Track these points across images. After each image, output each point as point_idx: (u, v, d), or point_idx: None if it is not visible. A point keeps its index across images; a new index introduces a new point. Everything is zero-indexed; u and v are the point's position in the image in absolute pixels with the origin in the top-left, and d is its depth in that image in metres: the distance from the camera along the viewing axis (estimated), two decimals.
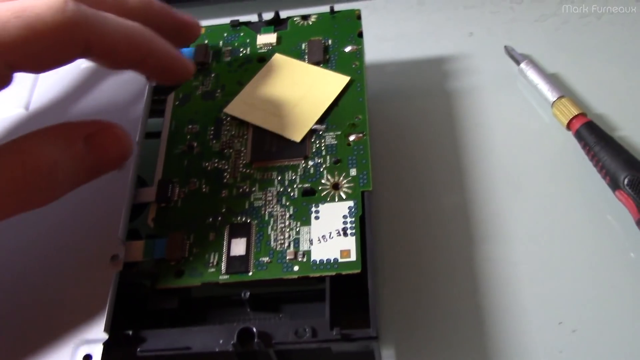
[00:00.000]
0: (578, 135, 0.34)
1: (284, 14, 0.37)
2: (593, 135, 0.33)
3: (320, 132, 0.31)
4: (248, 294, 0.28)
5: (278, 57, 0.34)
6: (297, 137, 0.31)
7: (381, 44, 0.41)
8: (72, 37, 0.24)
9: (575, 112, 0.34)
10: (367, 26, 0.37)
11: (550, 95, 0.36)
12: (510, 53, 0.38)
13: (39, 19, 0.23)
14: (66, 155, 0.25)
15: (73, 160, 0.25)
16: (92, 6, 0.26)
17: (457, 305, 0.31)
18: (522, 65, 0.37)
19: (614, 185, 0.32)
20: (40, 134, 0.25)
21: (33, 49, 0.24)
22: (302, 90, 0.33)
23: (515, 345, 0.29)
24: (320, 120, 0.31)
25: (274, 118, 0.32)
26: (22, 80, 0.35)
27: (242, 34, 0.36)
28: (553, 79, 0.37)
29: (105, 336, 0.26)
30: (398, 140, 0.37)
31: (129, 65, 0.28)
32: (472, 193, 0.34)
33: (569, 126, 0.35)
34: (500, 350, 0.29)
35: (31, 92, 0.35)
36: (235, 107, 0.33)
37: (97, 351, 0.26)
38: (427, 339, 0.30)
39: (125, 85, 0.34)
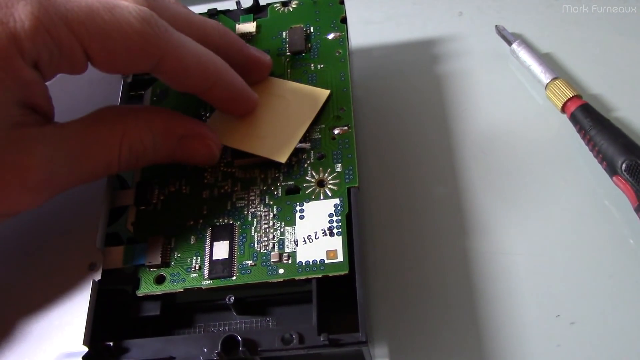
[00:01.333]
0: (573, 119, 0.33)
1: (263, 0, 0.35)
2: (589, 118, 0.32)
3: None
4: (233, 298, 0.27)
5: None
6: (282, 157, 0.29)
7: (367, 27, 0.40)
8: (150, 47, 0.25)
9: (570, 94, 0.33)
10: (352, 9, 0.35)
11: (544, 76, 0.34)
12: (502, 33, 0.37)
13: (127, 21, 0.25)
14: (158, 146, 0.27)
15: (162, 151, 0.28)
16: (172, 24, 0.26)
17: (451, 299, 0.30)
18: (514, 45, 0.36)
19: (612, 170, 0.30)
20: (144, 119, 0.27)
21: (112, 45, 0.25)
22: (280, 108, 0.30)
23: (512, 340, 0.28)
24: (304, 138, 0.30)
25: (255, 139, 0.29)
26: None
27: None
28: (546, 59, 0.35)
29: (85, 349, 0.25)
30: (386, 129, 0.36)
31: (194, 89, 0.28)
32: (463, 182, 0.33)
33: (563, 109, 0.33)
34: (497, 344, 0.28)
35: None
36: None
37: None
38: (421, 335, 0.29)
39: (99, 81, 0.33)
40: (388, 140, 0.35)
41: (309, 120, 0.30)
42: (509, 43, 0.36)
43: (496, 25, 0.37)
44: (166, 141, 0.28)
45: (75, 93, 0.33)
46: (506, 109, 0.35)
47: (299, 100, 0.30)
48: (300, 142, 0.29)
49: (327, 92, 0.31)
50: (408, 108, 0.36)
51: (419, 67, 0.38)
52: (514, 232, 0.31)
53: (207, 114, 0.31)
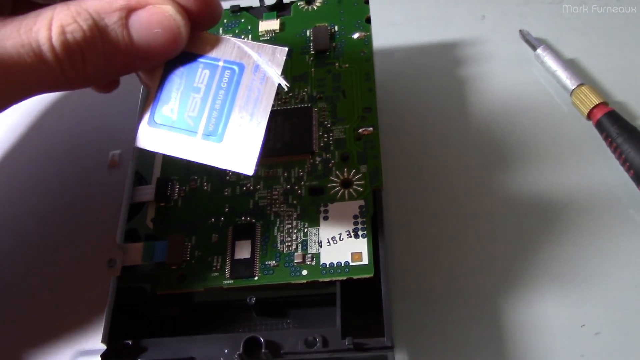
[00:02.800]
0: (599, 126, 0.32)
1: None
2: (615, 125, 0.31)
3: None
4: (254, 299, 0.26)
5: None
6: None
7: (388, 29, 0.39)
8: None
9: (596, 101, 0.32)
10: (373, 9, 0.35)
11: (570, 82, 0.34)
12: (526, 38, 0.37)
13: None
14: (102, 28, 0.22)
15: (110, 37, 0.22)
16: None
17: (474, 306, 0.29)
18: (539, 50, 0.36)
19: (638, 179, 0.30)
20: (64, 8, 0.22)
21: None
22: None
23: (536, 348, 0.28)
24: None
25: None
26: None
27: (242, 20, 0.34)
28: (572, 66, 0.35)
29: (103, 347, 0.25)
30: (407, 132, 0.35)
31: None
32: (485, 186, 0.32)
33: (589, 116, 0.33)
34: (519, 353, 0.28)
35: None
36: None
37: None
38: (442, 341, 0.29)
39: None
40: (408, 143, 0.35)
41: None
42: (534, 48, 0.36)
43: (520, 30, 0.37)
44: (108, 19, 0.22)
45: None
46: (530, 114, 0.35)
47: None
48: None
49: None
50: (429, 111, 0.36)
51: (441, 70, 0.38)
52: (537, 239, 0.31)
53: None
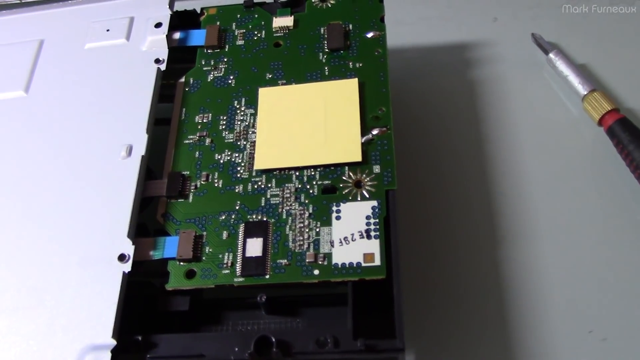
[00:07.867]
0: (610, 132, 0.32)
1: None
2: (627, 132, 0.31)
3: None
4: (264, 297, 0.26)
5: (265, 91, 0.31)
6: (357, 156, 0.28)
7: (399, 28, 0.39)
8: None
9: (608, 108, 0.32)
10: (385, 7, 0.35)
11: (582, 88, 0.34)
12: (538, 41, 0.37)
13: None
14: None
15: None
16: None
17: (481, 309, 0.30)
18: (551, 55, 0.36)
19: None
20: None
21: None
22: (321, 111, 0.30)
23: (541, 354, 0.28)
24: (363, 131, 0.29)
25: (314, 151, 0.28)
26: (22, 62, 0.33)
27: (256, 16, 0.34)
28: (583, 71, 0.35)
29: (114, 342, 0.24)
30: (417, 134, 0.35)
31: None
32: (497, 191, 0.33)
33: (600, 122, 0.33)
34: (525, 357, 0.28)
35: (31, 75, 0.32)
36: (263, 160, 0.29)
37: (104, 358, 0.24)
38: (449, 344, 0.29)
39: (133, 68, 0.32)
40: (419, 146, 0.35)
41: (357, 110, 0.29)
42: (546, 52, 0.36)
43: (532, 33, 0.37)
44: None
45: (105, 79, 0.32)
46: (541, 118, 0.35)
47: (335, 97, 0.30)
48: (364, 135, 0.28)
49: (355, 80, 0.30)
50: (440, 113, 0.36)
51: (452, 71, 0.38)
52: (547, 244, 0.31)
53: (243, 108, 0.31)
